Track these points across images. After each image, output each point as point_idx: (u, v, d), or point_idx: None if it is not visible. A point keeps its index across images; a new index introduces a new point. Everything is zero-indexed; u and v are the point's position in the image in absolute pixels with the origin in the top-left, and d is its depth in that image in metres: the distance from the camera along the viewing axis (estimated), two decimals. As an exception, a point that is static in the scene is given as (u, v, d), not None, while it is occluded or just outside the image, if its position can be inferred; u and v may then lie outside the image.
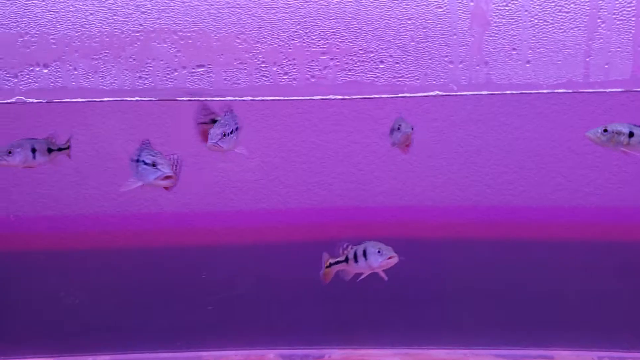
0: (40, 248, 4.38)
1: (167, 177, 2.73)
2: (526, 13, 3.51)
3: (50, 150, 3.38)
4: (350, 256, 3.33)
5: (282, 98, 3.57)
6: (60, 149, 3.43)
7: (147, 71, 3.53)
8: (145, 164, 2.78)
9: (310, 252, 3.97)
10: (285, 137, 4.13)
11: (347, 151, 4.14)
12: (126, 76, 3.54)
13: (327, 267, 3.39)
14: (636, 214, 4.13)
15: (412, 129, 3.26)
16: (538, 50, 3.56)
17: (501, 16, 3.52)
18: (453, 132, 4.03)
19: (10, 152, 3.25)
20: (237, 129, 3.03)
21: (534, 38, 3.54)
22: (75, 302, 4.47)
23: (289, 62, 3.55)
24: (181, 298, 4.43)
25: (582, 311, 4.27)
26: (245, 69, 3.54)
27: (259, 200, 4.19)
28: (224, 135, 2.91)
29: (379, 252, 3.19)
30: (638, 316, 4.21)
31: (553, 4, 3.51)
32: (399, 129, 3.25)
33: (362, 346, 4.44)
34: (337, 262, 3.35)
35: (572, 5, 3.51)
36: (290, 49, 3.53)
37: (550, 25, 3.53)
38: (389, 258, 3.17)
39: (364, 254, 3.25)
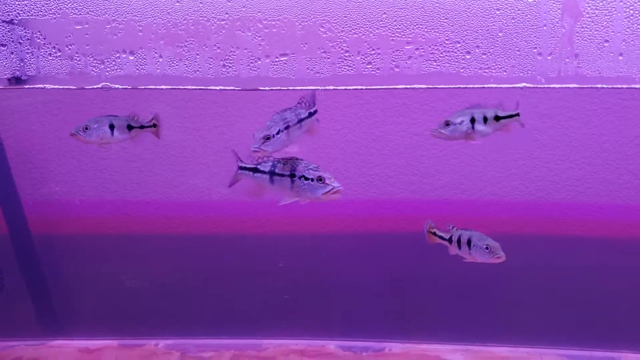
0: (103, 232, 4.47)
1: (336, 192, 2.76)
2: (621, 4, 3.39)
3: (130, 128, 3.40)
4: (454, 239, 3.31)
5: (365, 87, 3.53)
6: (142, 127, 3.45)
7: (231, 60, 3.54)
8: (307, 179, 2.80)
9: (369, 244, 3.97)
10: (345, 128, 4.12)
11: (408, 143, 4.10)
12: (210, 64, 3.55)
13: (432, 234, 3.39)
14: None
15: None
16: (632, 42, 3.43)
17: (594, 7, 3.41)
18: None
19: (87, 128, 3.27)
20: (287, 127, 3.01)
21: (628, 30, 3.42)
22: (136, 286, 4.56)
23: (373, 52, 3.51)
24: (240, 286, 4.46)
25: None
26: (329, 58, 3.51)
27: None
28: (267, 138, 2.90)
29: (486, 248, 3.15)
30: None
31: (650, -6, 3.38)
32: (460, 122, 3.20)
33: (422, 341, 4.41)
34: (441, 238, 3.34)
35: (670, -5, 3.37)
36: (374, 38, 3.49)
37: (646, 17, 3.40)
38: (497, 257, 3.13)
39: (469, 243, 3.22)
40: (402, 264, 4.28)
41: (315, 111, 3.15)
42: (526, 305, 4.28)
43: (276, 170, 2.87)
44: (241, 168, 2.99)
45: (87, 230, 4.45)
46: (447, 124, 3.14)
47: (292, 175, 2.82)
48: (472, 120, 3.18)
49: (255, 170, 2.96)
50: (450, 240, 3.29)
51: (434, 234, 3.35)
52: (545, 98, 3.90)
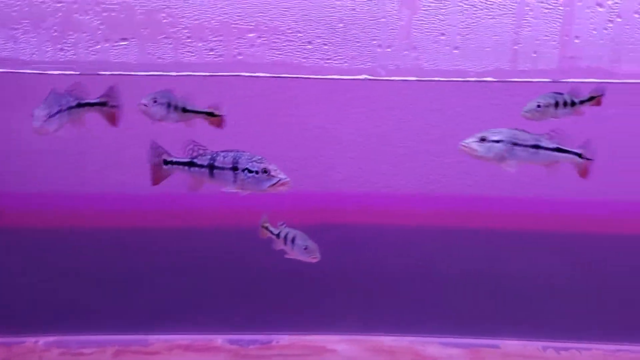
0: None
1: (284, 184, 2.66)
2: (455, -2, 3.50)
3: (573, 103, 3.18)
4: (282, 236, 3.36)
5: (207, 74, 3.51)
6: (197, 112, 3.18)
7: (69, 43, 3.44)
8: (252, 171, 2.69)
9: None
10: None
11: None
12: (47, 48, 3.45)
13: (265, 228, 3.43)
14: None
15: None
16: (467, 36, 3.55)
17: (430, 0, 3.50)
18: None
19: (155, 101, 3.04)
20: (67, 108, 2.90)
21: (462, 24, 3.53)
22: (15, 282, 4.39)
23: (215, 38, 3.49)
24: (126, 281, 4.36)
25: (531, 304, 4.30)
26: (170, 44, 3.47)
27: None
28: (49, 116, 2.77)
29: (305, 248, 3.28)
30: (593, 309, 4.26)
31: (482, -10, 3.51)
32: None
33: (309, 332, 4.44)
34: (272, 232, 3.39)
35: (501, -8, 3.51)
36: (216, 24, 3.48)
37: (480, 11, 3.52)
38: (313, 257, 3.28)
39: (293, 240, 3.32)
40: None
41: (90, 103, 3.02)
42: (410, 295, 4.36)
43: (216, 164, 2.75)
44: (167, 163, 2.84)
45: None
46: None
47: (234, 168, 2.71)
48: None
49: (191, 164, 2.83)
50: (278, 235, 3.37)
51: (266, 228, 3.42)
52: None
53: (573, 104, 3.15)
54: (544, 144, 2.86)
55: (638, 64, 3.58)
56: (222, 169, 2.72)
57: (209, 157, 2.75)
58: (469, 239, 4.22)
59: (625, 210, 4.11)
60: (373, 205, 4.17)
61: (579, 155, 2.92)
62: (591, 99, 3.20)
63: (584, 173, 2.94)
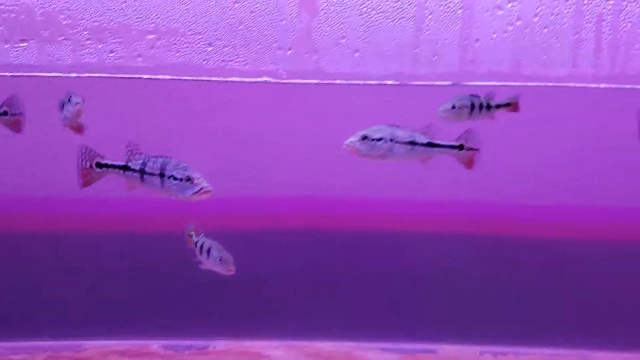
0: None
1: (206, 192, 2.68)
2: (354, 1, 3.51)
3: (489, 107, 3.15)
4: (198, 246, 3.36)
5: (108, 75, 3.52)
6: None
7: (-34, 44, 3.46)
8: (176, 179, 2.71)
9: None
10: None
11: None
12: (-55, 48, 3.47)
13: (190, 236, 3.44)
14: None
15: None
16: (367, 39, 3.55)
17: (330, 3, 3.51)
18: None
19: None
20: None
21: (362, 27, 3.54)
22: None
23: (115, 40, 3.50)
24: (60, 286, 4.34)
25: (472, 308, 4.29)
26: (70, 45, 3.48)
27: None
28: None
29: (220, 259, 3.27)
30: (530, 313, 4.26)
31: (381, -7, 3.52)
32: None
33: (246, 338, 4.42)
34: (192, 241, 3.40)
35: (400, -5, 3.52)
36: (115, 26, 3.49)
37: (379, 15, 3.53)
38: (229, 270, 3.24)
39: (208, 251, 3.32)
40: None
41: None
42: (350, 301, 4.34)
43: (146, 169, 2.77)
44: (101, 166, 2.85)
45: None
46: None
47: (161, 175, 2.74)
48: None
49: (124, 167, 2.85)
50: (196, 245, 3.36)
51: (191, 237, 3.41)
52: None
53: (489, 107, 3.14)
54: (419, 139, 2.85)
55: (538, 67, 3.59)
56: (152, 174, 2.74)
57: (141, 161, 2.77)
58: (403, 243, 4.21)
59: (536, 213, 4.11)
60: (267, 210, 4.15)
61: (460, 147, 2.89)
62: (508, 104, 3.19)
63: (469, 164, 2.91)
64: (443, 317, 4.31)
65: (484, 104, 3.13)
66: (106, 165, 2.84)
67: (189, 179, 2.65)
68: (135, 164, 2.78)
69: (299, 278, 4.26)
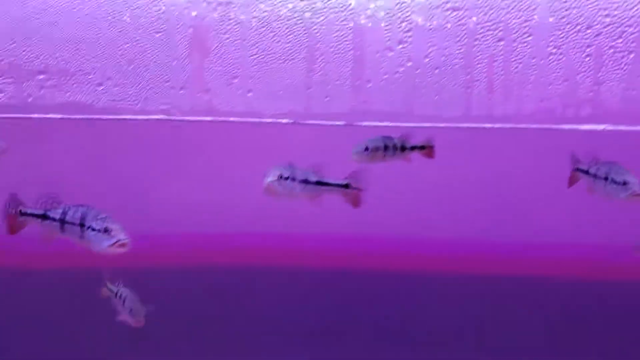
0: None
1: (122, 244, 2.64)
2: (245, 42, 3.51)
3: (404, 149, 3.15)
4: (117, 295, 3.38)
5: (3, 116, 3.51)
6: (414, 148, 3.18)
7: None
8: (94, 229, 2.65)
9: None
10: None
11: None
12: None
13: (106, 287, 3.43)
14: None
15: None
16: (259, 79, 3.56)
17: (220, 44, 3.51)
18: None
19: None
20: None
21: (254, 67, 3.54)
22: None
23: (4, 80, 3.48)
24: None
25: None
26: (-40, 85, 3.47)
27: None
28: None
29: (130, 311, 3.28)
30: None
31: (272, 34, 3.51)
32: None
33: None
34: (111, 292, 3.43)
35: (290, 37, 3.52)
36: (6, 66, 3.47)
37: (270, 55, 3.53)
38: (138, 321, 3.27)
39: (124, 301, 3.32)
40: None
41: None
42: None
43: (67, 219, 2.73)
44: (23, 214, 2.78)
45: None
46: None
47: (82, 225, 2.69)
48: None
49: (44, 216, 2.81)
50: (116, 295, 3.36)
51: (107, 287, 3.41)
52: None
53: (403, 149, 3.15)
54: (311, 178, 2.88)
55: (430, 108, 3.61)
56: (72, 224, 2.71)
57: (62, 210, 2.74)
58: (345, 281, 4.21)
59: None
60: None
61: (346, 185, 2.92)
62: (422, 147, 3.19)
63: (355, 203, 2.94)
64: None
65: (398, 145, 3.13)
66: (26, 214, 2.78)
67: (106, 230, 2.64)
68: (54, 213, 2.76)
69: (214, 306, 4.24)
